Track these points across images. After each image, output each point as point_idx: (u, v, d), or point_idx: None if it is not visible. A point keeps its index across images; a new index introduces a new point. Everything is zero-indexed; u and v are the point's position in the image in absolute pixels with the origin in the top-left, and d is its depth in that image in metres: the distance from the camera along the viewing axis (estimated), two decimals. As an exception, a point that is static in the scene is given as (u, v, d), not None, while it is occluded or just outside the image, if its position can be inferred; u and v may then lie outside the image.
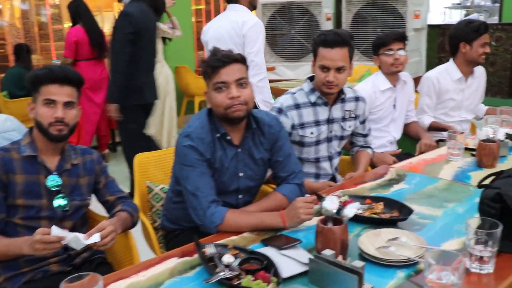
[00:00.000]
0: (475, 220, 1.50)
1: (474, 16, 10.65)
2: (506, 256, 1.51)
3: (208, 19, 7.18)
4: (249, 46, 3.29)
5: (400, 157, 2.80)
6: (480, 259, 1.44)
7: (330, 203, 1.58)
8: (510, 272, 1.45)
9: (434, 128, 3.15)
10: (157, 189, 2.30)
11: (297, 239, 1.63)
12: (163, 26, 4.69)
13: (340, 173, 2.63)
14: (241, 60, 1.87)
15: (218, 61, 1.82)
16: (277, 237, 1.69)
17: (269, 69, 6.04)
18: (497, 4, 8.14)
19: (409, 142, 3.11)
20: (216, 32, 3.42)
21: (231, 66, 1.82)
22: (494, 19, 8.85)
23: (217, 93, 1.82)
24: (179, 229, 2.03)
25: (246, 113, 1.86)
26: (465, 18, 9.28)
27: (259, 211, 1.85)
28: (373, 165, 2.70)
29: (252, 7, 3.52)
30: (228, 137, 1.88)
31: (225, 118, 1.84)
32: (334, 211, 1.57)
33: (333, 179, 2.53)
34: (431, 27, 7.23)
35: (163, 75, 4.52)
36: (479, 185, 1.67)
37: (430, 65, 3.48)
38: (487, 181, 1.71)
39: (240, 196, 1.99)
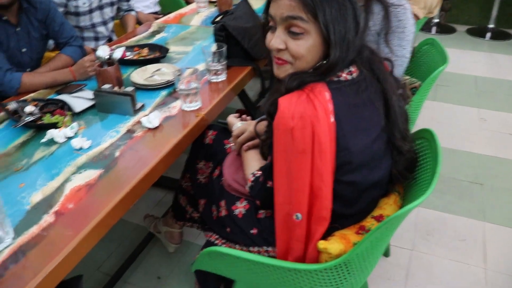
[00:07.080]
0: (211, 46, 1.91)
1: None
2: (233, 68, 1.99)
3: None
4: None
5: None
6: (216, 72, 1.91)
7: (102, 51, 1.81)
8: (235, 78, 1.92)
9: None
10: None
11: (82, 83, 1.89)
12: None
13: (116, 34, 2.87)
14: None
15: None
16: (67, 86, 1.91)
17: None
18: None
19: (173, 3, 3.45)
20: None
21: None
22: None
23: None
24: None
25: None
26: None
27: (48, 71, 2.00)
28: (140, 22, 3.00)
29: None
30: (4, 18, 1.94)
31: None
32: (107, 56, 1.81)
33: (110, 39, 2.76)
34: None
35: None
36: (212, 22, 2.10)
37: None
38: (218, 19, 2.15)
39: (28, 70, 2.09)
